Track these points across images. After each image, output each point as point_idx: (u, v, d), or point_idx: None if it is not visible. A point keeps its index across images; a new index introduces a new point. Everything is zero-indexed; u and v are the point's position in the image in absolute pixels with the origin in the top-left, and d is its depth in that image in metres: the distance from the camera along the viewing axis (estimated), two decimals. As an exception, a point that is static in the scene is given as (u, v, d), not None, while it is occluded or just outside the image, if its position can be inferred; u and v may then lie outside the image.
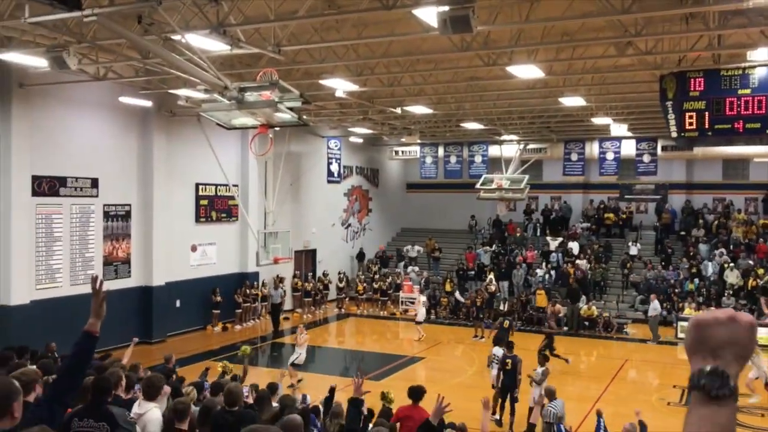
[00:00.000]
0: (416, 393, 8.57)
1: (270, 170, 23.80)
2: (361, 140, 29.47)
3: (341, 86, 16.49)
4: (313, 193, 27.30)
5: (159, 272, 20.24)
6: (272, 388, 9.25)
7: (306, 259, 27.54)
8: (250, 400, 8.33)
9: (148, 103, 19.02)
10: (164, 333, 20.17)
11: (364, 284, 27.52)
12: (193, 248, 22.00)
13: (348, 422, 6.56)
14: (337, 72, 15.49)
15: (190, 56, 10.82)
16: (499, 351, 13.74)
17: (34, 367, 5.17)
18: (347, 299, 27.22)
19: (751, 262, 24.74)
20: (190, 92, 16.07)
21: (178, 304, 21.07)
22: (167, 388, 7.52)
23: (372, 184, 32.32)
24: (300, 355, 15.58)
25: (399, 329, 24.49)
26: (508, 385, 13.01)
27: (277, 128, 14.80)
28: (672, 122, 12.51)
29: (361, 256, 30.48)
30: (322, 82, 16.00)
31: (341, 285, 27.30)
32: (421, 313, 22.04)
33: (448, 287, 25.99)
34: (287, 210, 25.36)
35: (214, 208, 22.76)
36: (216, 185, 22.63)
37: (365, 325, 24.90)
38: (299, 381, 15.48)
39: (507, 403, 13.08)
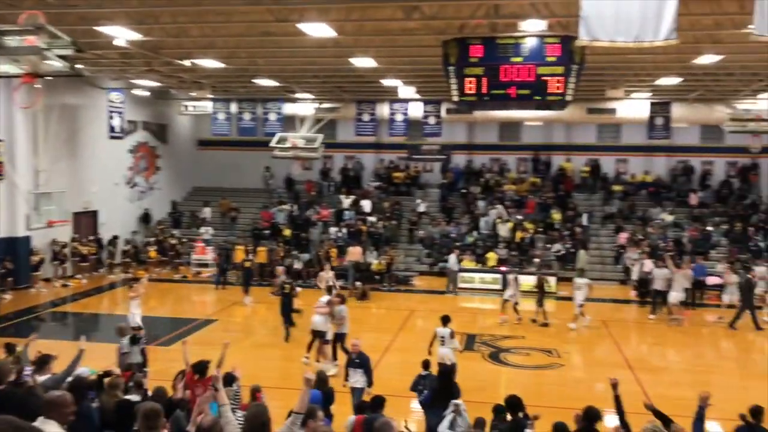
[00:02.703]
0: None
1: (41, 124, 21.61)
2: (147, 93, 27.68)
3: (122, 35, 15.28)
4: (93, 150, 25.23)
5: None
6: (44, 360, 8.49)
7: (87, 221, 25.56)
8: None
9: None
10: None
11: (155, 247, 26.29)
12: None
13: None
14: (117, 19, 14.28)
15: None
16: None
17: None
18: (135, 263, 25.79)
19: (520, 216, 27.32)
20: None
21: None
22: None
23: (160, 141, 30.63)
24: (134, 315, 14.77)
25: (191, 292, 23.76)
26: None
27: (47, 78, 13.37)
28: (454, 86, 13.23)
29: (147, 217, 28.97)
30: (99, 29, 14.69)
31: (128, 248, 25.77)
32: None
33: (240, 255, 24.11)
34: (63, 168, 23.28)
35: (-26, 165, 20.21)
36: (-25, 140, 20.07)
37: (155, 289, 23.79)
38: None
39: None
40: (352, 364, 11.11)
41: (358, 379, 10.92)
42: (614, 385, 7.48)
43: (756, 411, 7.84)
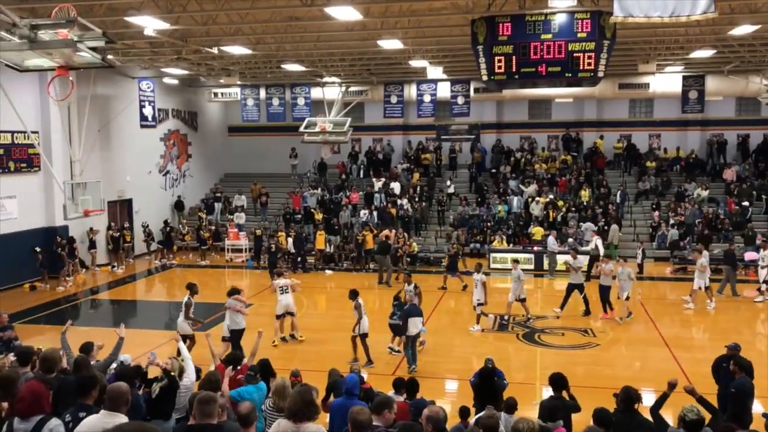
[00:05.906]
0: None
1: (74, 115, 21.97)
2: (176, 81, 27.93)
3: (150, 24, 15.40)
4: (125, 139, 25.57)
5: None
6: (86, 348, 8.67)
7: (122, 209, 25.98)
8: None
9: None
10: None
11: (190, 233, 26.70)
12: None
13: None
14: (145, 8, 14.42)
15: (-33, -14, 9.51)
16: None
17: None
18: (167, 249, 26.12)
19: (552, 196, 26.97)
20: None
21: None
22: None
23: (191, 128, 30.91)
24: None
25: (226, 277, 24.03)
26: None
27: (79, 69, 13.56)
28: (483, 65, 13.05)
29: (179, 204, 29.30)
30: (128, 19, 14.83)
31: (162, 236, 26.14)
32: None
33: (282, 240, 23.99)
34: (97, 158, 23.66)
35: (12, 157, 20.60)
36: (12, 132, 20.43)
37: (190, 275, 24.09)
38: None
39: None
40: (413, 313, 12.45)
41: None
42: (672, 386, 7.18)
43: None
